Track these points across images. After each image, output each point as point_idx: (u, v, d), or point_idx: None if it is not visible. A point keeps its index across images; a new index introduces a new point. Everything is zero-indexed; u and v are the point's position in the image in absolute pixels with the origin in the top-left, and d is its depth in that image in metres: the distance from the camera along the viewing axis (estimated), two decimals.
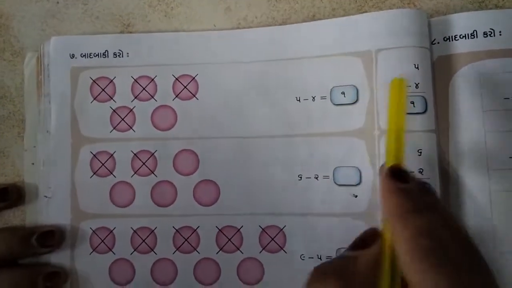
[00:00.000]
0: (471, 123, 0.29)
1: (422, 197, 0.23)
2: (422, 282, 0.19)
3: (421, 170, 0.29)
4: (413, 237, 0.21)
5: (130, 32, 0.34)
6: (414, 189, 0.23)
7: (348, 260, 0.23)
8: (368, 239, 0.24)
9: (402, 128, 0.25)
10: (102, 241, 0.32)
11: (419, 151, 0.28)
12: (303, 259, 0.31)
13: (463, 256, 0.21)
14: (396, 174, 0.23)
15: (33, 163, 0.33)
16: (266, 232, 0.31)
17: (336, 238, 0.30)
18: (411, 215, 0.22)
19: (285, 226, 0.31)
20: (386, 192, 0.23)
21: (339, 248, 0.30)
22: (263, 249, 0.31)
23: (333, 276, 0.22)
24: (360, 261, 0.22)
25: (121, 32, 0.34)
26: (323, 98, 0.31)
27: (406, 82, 0.26)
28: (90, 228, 0.32)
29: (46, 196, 0.32)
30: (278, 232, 0.31)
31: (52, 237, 0.31)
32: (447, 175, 0.29)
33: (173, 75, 0.33)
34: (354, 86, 0.30)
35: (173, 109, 0.32)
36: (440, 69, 0.30)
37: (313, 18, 0.33)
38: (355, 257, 0.23)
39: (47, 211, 0.32)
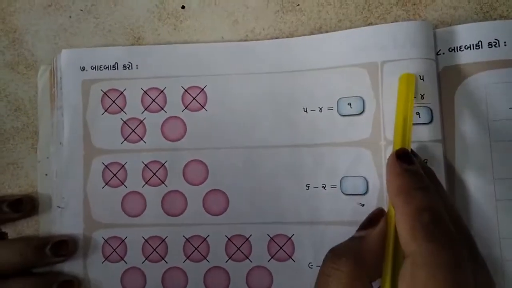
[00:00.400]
0: (476, 133, 0.30)
1: (425, 177, 0.25)
2: (424, 251, 0.21)
3: None
4: (416, 211, 0.22)
5: (141, 45, 0.34)
6: (418, 170, 0.25)
7: (357, 240, 0.25)
8: (375, 219, 0.26)
9: (409, 117, 0.27)
10: (114, 250, 0.32)
11: (426, 161, 0.29)
12: (311, 268, 0.31)
13: (458, 233, 0.22)
14: (402, 157, 0.25)
15: (46, 174, 0.34)
16: (275, 241, 0.32)
17: None
18: (414, 192, 0.23)
19: (293, 234, 0.31)
20: (392, 173, 0.25)
21: None
22: (272, 257, 0.31)
23: (345, 256, 0.24)
24: (368, 240, 0.25)
25: (132, 45, 0.34)
26: (330, 109, 0.31)
27: (414, 77, 0.28)
28: (102, 237, 0.32)
29: (59, 207, 0.33)
30: (287, 241, 0.31)
31: (65, 247, 0.32)
32: (453, 185, 0.30)
33: (182, 87, 0.33)
34: (361, 97, 0.31)
35: (182, 120, 0.33)
36: (445, 80, 0.31)
37: (320, 30, 0.33)
38: (364, 236, 0.25)
39: (61, 221, 0.33)
